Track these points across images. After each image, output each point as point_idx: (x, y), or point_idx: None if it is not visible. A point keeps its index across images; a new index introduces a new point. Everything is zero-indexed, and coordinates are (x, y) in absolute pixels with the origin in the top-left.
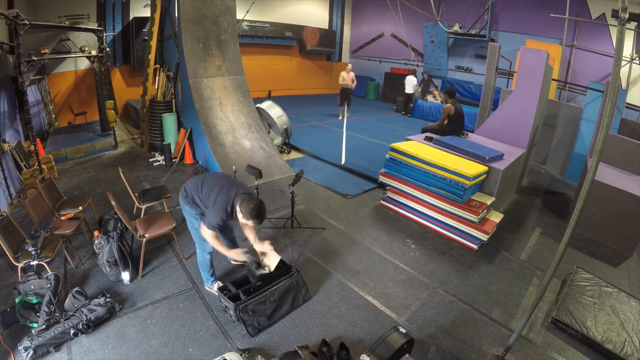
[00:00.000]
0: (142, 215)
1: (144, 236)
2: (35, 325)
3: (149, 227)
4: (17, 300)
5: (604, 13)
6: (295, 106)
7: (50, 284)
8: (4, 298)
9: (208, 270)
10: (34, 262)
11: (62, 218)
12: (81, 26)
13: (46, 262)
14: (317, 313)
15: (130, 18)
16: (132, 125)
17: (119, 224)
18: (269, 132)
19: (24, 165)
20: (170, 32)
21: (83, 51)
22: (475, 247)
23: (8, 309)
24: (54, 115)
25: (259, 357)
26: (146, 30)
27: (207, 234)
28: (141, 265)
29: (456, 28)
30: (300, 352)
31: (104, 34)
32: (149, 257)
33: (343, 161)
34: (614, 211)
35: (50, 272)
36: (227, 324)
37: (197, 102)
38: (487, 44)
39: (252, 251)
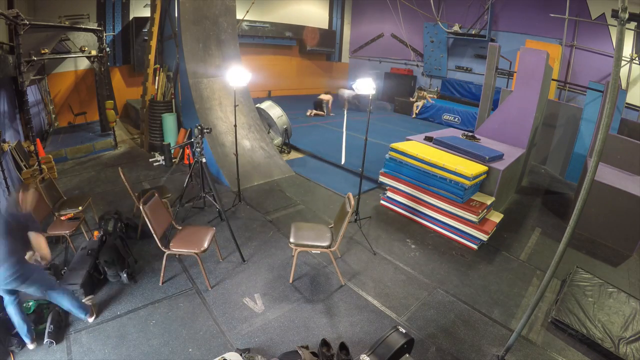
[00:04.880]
0: (141, 215)
1: (167, 248)
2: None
3: (178, 241)
4: None
5: (603, 13)
6: (295, 106)
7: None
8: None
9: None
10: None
11: (62, 218)
12: (81, 26)
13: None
14: (317, 313)
15: (130, 18)
16: (132, 125)
17: (119, 224)
18: (269, 132)
19: (24, 165)
20: (170, 32)
21: (83, 51)
22: (475, 247)
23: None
24: (54, 115)
25: (259, 357)
26: (146, 30)
27: None
28: (162, 274)
29: (456, 28)
30: (300, 352)
31: (104, 34)
32: (148, 257)
33: (343, 161)
34: (614, 211)
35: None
36: (227, 323)
37: (197, 102)
38: (487, 44)
39: None
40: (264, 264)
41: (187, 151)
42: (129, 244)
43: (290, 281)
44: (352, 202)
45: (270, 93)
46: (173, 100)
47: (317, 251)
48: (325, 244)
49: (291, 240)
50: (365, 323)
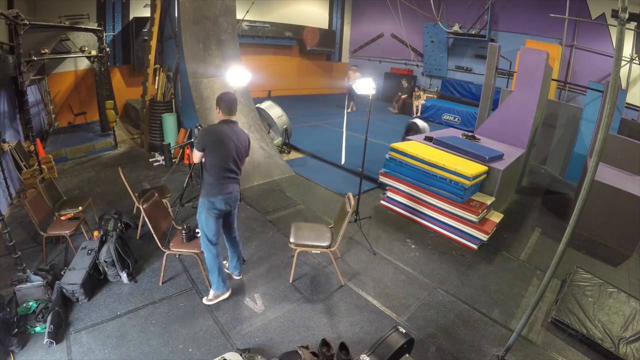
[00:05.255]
0: (141, 215)
1: (167, 248)
2: (37, 329)
3: (178, 241)
4: (18, 310)
5: (603, 13)
6: (295, 106)
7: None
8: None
9: (217, 274)
10: None
11: (62, 218)
12: (81, 26)
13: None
14: (317, 313)
15: (130, 18)
16: (132, 125)
17: (119, 224)
18: (269, 132)
19: (24, 165)
20: (170, 32)
21: (83, 51)
22: (475, 247)
23: (7, 311)
24: (54, 115)
25: (259, 357)
26: (146, 30)
27: (196, 155)
28: (162, 275)
29: (456, 28)
30: (300, 352)
31: (104, 34)
32: (148, 257)
33: (343, 161)
34: (614, 211)
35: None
36: (227, 323)
37: (197, 102)
38: (487, 44)
39: None
40: (264, 264)
41: (187, 151)
42: (129, 244)
43: (290, 281)
44: (352, 202)
45: (270, 93)
46: (173, 100)
47: (317, 251)
48: (325, 244)
49: (291, 240)
50: (365, 323)
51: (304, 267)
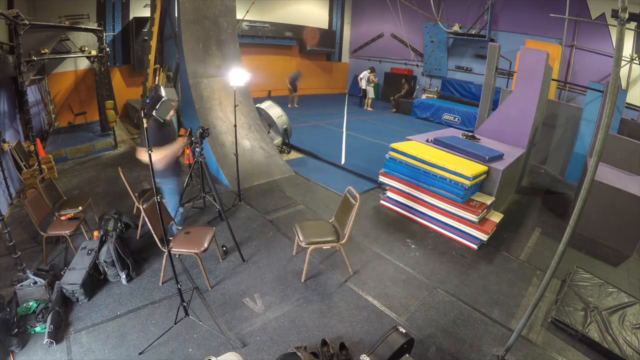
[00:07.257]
0: (141, 215)
1: (168, 248)
2: (37, 329)
3: (178, 241)
4: (18, 310)
5: (603, 13)
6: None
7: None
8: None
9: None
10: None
11: (62, 218)
12: (81, 26)
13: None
14: (316, 313)
15: (130, 18)
16: (132, 125)
17: (119, 224)
18: (268, 132)
19: (24, 165)
20: (170, 32)
21: (83, 51)
22: (475, 247)
23: (8, 311)
24: (53, 115)
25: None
26: (146, 30)
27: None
28: (162, 275)
29: (456, 28)
30: (299, 353)
31: (104, 34)
32: (148, 257)
33: (343, 161)
34: (614, 211)
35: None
36: (227, 323)
37: (197, 102)
38: (487, 44)
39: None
40: (264, 264)
41: (187, 151)
42: (129, 244)
43: (303, 280)
44: (356, 194)
45: (270, 93)
46: None
47: (328, 246)
48: (335, 238)
49: (301, 239)
50: (365, 323)
51: (303, 267)
